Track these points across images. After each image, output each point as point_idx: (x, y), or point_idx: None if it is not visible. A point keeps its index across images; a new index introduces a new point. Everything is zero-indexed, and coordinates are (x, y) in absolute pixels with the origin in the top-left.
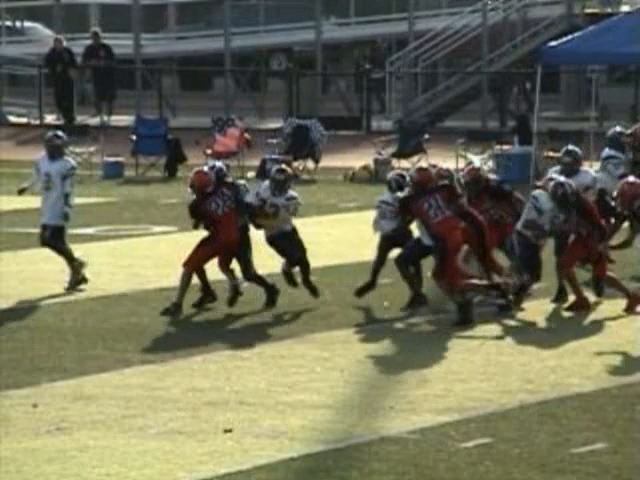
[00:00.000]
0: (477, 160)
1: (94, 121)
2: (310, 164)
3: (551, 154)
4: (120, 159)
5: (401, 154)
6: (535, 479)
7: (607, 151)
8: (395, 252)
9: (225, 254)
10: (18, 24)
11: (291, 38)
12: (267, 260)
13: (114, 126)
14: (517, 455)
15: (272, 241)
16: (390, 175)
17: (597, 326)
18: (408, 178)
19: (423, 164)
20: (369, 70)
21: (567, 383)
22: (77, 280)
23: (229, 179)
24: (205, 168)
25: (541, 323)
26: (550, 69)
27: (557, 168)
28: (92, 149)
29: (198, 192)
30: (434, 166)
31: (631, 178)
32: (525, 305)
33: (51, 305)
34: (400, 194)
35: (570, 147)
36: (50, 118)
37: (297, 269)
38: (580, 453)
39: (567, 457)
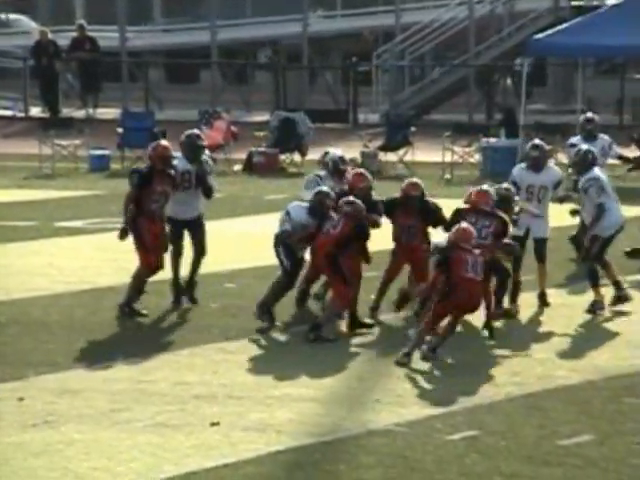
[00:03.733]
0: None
1: (80, 114)
2: (297, 157)
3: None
4: (106, 152)
5: (388, 147)
6: (521, 471)
7: (572, 139)
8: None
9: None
10: (3, 16)
11: (278, 31)
12: (261, 252)
13: (100, 119)
14: (503, 447)
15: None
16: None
17: (583, 319)
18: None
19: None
20: (356, 63)
21: (553, 375)
22: None
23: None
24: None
25: (527, 316)
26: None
27: (523, 164)
28: (78, 142)
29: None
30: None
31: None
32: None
33: (38, 299)
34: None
35: (537, 141)
36: (35, 111)
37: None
38: (566, 445)
39: (553, 449)
